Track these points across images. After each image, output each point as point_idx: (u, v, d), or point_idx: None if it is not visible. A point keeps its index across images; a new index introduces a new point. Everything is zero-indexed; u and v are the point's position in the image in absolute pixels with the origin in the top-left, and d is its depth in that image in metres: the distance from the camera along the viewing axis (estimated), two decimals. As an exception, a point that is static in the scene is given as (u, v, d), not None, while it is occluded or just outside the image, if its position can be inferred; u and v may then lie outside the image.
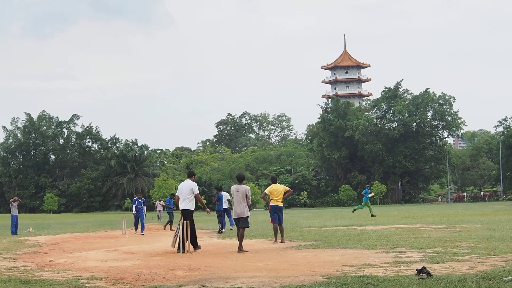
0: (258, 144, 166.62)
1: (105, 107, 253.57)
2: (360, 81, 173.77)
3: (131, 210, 35.53)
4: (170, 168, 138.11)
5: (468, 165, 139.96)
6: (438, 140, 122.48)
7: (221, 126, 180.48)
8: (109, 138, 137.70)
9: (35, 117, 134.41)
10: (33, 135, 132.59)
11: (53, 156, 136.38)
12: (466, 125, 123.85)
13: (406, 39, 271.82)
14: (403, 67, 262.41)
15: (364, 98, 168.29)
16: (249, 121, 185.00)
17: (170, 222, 33.58)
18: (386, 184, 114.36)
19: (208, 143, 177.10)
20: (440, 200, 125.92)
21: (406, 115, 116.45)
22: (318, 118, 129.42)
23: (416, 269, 10.88)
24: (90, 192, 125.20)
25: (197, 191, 18.57)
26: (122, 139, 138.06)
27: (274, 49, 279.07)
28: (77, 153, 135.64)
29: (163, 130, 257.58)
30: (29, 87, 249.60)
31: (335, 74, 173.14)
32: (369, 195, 40.84)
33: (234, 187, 18.03)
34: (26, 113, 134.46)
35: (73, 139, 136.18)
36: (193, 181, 18.86)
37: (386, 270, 11.74)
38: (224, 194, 29.21)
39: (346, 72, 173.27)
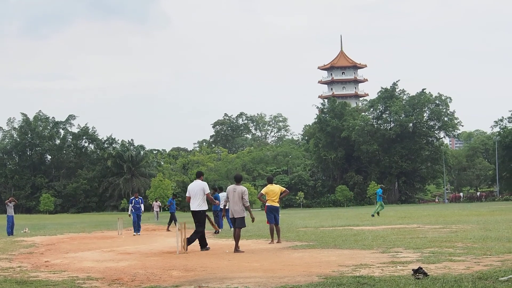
0: (255, 145, 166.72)
1: (102, 108, 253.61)
2: (356, 81, 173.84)
3: (127, 211, 35.11)
4: (167, 169, 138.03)
5: (464, 166, 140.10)
6: (435, 141, 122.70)
7: (217, 127, 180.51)
8: (105, 138, 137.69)
9: (31, 117, 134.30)
10: (29, 135, 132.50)
11: (49, 157, 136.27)
12: (462, 126, 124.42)
13: (402, 39, 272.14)
14: (400, 67, 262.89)
15: (361, 99, 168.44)
16: (246, 121, 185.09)
17: (174, 221, 33.04)
18: (383, 185, 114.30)
19: (204, 143, 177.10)
20: (437, 200, 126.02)
21: (403, 115, 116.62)
22: (315, 119, 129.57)
23: (412, 269, 10.88)
24: (87, 192, 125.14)
25: (208, 191, 18.55)
26: (118, 140, 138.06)
27: (271, 49, 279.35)
28: (73, 154, 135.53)
29: (159, 130, 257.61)
30: (26, 87, 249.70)
31: (331, 74, 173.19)
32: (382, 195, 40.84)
33: (231, 187, 18.06)
34: (22, 114, 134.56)
35: (69, 139, 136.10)
36: (202, 180, 18.84)
37: (382, 270, 11.74)
38: (222, 194, 29.17)
39: (342, 73, 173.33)
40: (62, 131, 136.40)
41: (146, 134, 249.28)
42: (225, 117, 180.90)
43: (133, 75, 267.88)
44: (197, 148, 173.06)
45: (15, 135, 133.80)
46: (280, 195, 19.97)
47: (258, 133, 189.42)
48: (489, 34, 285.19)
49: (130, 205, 31.00)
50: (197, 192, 18.36)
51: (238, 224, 17.71)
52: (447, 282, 9.86)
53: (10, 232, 30.60)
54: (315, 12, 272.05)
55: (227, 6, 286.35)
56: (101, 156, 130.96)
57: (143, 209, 31.34)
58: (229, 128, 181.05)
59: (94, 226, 39.59)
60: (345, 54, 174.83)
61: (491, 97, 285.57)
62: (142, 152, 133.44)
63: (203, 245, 18.47)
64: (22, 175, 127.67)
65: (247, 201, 17.84)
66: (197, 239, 18.43)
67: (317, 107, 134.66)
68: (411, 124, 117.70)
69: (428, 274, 10.58)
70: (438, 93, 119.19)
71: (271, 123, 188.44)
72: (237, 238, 17.49)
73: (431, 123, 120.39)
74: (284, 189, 20.36)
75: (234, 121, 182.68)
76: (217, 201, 27.82)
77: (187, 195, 18.77)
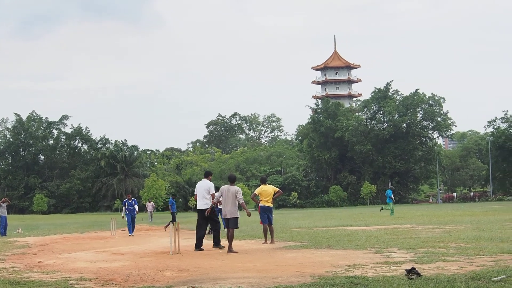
0: (248, 145, 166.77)
1: (95, 108, 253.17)
2: (350, 81, 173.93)
3: (121, 211, 34.90)
4: (160, 169, 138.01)
5: (458, 166, 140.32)
6: (428, 141, 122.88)
7: (211, 127, 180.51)
8: (98, 138, 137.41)
9: (24, 117, 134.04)
10: (22, 135, 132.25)
11: (43, 157, 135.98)
12: (455, 126, 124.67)
13: (396, 40, 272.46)
14: (393, 68, 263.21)
15: (354, 99, 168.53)
16: (239, 121, 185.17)
17: (171, 221, 32.94)
18: (376, 185, 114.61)
19: (198, 143, 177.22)
20: (431, 200, 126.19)
21: (396, 115, 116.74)
22: (308, 119, 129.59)
23: (406, 270, 10.89)
24: (80, 193, 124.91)
25: (213, 191, 18.84)
26: (112, 140, 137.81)
27: (264, 49, 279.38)
28: (66, 154, 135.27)
29: (153, 130, 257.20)
30: (19, 87, 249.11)
31: (325, 74, 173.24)
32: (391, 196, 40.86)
33: (225, 188, 18.07)
34: (16, 114, 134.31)
35: (62, 139, 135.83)
36: (210, 180, 19.13)
37: (375, 270, 11.75)
38: (218, 194, 29.09)
39: (336, 73, 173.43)
40: (55, 132, 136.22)
41: (140, 134, 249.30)
42: (218, 117, 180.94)
43: (127, 76, 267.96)
44: (191, 149, 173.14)
45: (8, 135, 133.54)
46: (273, 196, 19.98)
47: (252, 134, 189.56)
48: (482, 35, 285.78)
49: (124, 207, 30.61)
50: (203, 191, 18.90)
51: (231, 224, 17.72)
52: (440, 282, 9.87)
53: (3, 232, 30.53)
54: (309, 12, 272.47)
55: (221, 6, 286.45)
56: (95, 157, 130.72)
57: (137, 210, 31.10)
58: (222, 128, 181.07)
59: (88, 227, 39.54)
60: (338, 54, 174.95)
61: (484, 98, 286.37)
62: (135, 153, 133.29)
63: (216, 243, 18.85)
64: (15, 176, 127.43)
65: (241, 199, 17.86)
66: (199, 239, 18.66)
67: (311, 108, 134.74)
68: (404, 125, 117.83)
69: (421, 274, 10.60)
70: (432, 93, 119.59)
71: (264, 123, 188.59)
72: (230, 238, 17.49)
73: (425, 123, 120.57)
74: (278, 189, 20.36)
75: (228, 121, 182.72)
76: (217, 202, 27.93)
77: (195, 192, 19.44)
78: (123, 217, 30.38)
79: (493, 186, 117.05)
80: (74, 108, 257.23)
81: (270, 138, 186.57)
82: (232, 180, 18.36)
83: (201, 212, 18.94)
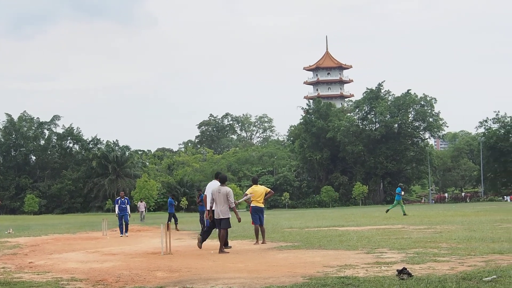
0: (240, 145, 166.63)
1: (87, 108, 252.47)
2: (342, 82, 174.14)
3: (114, 211, 34.62)
4: (152, 169, 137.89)
5: (449, 166, 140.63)
6: (420, 141, 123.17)
7: (203, 127, 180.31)
8: (90, 139, 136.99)
9: (15, 117, 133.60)
10: (13, 136, 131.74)
11: (34, 157, 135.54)
12: (447, 126, 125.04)
13: (387, 40, 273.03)
14: (385, 68, 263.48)
15: (346, 99, 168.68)
16: (231, 122, 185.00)
17: (169, 221, 32.85)
18: (368, 185, 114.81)
19: (190, 144, 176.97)
20: (423, 201, 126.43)
21: (388, 116, 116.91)
22: (300, 119, 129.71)
23: (397, 270, 10.89)
24: (71, 193, 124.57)
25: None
26: (103, 140, 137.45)
27: (256, 50, 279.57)
28: (58, 154, 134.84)
29: (144, 131, 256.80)
30: (10, 87, 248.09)
31: (317, 75, 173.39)
32: (402, 194, 40.85)
33: (216, 188, 18.02)
34: (7, 114, 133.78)
35: (54, 140, 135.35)
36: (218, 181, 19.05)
37: (367, 271, 11.76)
38: (209, 198, 29.08)
39: (328, 73, 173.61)
40: (46, 132, 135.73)
41: (131, 134, 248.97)
42: (210, 117, 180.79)
43: (119, 76, 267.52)
44: (182, 149, 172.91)
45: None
46: (265, 196, 19.97)
47: (244, 134, 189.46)
48: (474, 36, 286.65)
49: (116, 205, 30.02)
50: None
51: (223, 225, 17.69)
52: (431, 282, 9.88)
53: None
54: (301, 13, 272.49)
55: (213, 6, 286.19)
56: (86, 157, 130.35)
57: (129, 211, 30.55)
58: (214, 129, 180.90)
59: (79, 227, 39.44)
60: (330, 55, 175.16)
61: (476, 98, 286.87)
62: (127, 153, 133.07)
63: (225, 243, 18.75)
64: (6, 176, 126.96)
65: (233, 202, 17.81)
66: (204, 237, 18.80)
67: (303, 108, 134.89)
68: (396, 125, 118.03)
69: (413, 274, 10.61)
70: (423, 94, 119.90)
71: (256, 123, 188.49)
72: (222, 239, 17.49)
73: (416, 124, 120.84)
74: (269, 190, 20.38)
75: (220, 121, 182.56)
76: (198, 202, 28.23)
77: (205, 193, 19.52)
78: (117, 214, 29.70)
79: (485, 187, 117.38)
80: (65, 109, 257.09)
81: (262, 139, 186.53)
82: (222, 181, 18.28)
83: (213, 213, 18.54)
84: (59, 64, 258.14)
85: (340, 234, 22.11)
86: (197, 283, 10.96)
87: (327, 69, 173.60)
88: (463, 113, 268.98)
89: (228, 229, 17.93)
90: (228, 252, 17.03)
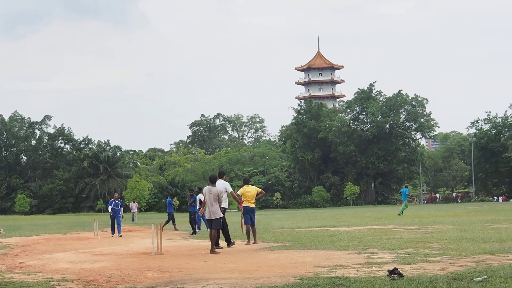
0: (232, 145, 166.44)
1: (78, 108, 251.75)
2: (333, 82, 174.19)
3: (106, 211, 34.44)
4: (143, 169, 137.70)
5: (441, 167, 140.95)
6: (411, 142, 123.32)
7: (194, 127, 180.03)
8: (81, 139, 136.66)
9: (6, 117, 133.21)
10: (4, 135, 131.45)
11: (25, 157, 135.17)
12: (438, 127, 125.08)
13: (379, 41, 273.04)
14: (377, 69, 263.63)
15: (338, 100, 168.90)
16: (223, 122, 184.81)
17: (167, 221, 32.78)
18: (359, 186, 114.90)
19: (181, 144, 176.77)
20: (414, 201, 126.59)
21: (379, 116, 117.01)
22: (292, 120, 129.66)
23: (388, 270, 10.91)
24: (62, 193, 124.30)
25: (230, 189, 19.09)
26: (94, 140, 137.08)
27: (248, 50, 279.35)
28: (49, 154, 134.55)
29: (136, 131, 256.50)
30: (1, 87, 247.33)
31: (308, 75, 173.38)
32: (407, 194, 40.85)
33: (206, 189, 18.01)
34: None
35: (45, 140, 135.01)
36: (224, 180, 19.10)
37: (358, 271, 11.77)
38: (200, 196, 29.10)
39: (319, 74, 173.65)
40: (38, 132, 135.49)
41: (123, 134, 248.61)
42: (202, 117, 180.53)
43: (110, 76, 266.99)
44: (174, 149, 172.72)
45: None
46: (256, 196, 19.98)
47: (235, 134, 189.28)
48: (465, 37, 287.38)
49: (109, 206, 29.86)
50: (221, 191, 18.55)
51: (214, 225, 17.68)
52: (422, 282, 9.90)
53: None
54: (292, 13, 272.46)
55: (205, 6, 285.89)
56: (77, 157, 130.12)
57: (122, 213, 30.42)
58: (206, 129, 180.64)
59: (70, 227, 39.38)
60: (322, 55, 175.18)
61: (467, 99, 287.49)
62: (118, 153, 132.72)
63: (229, 241, 18.94)
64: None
65: (225, 200, 17.85)
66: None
67: (294, 108, 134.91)
68: (387, 125, 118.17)
69: (404, 275, 10.62)
70: (415, 94, 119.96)
71: (248, 124, 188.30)
72: (213, 239, 17.48)
73: (408, 124, 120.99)
74: (261, 190, 20.39)
75: (211, 121, 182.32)
76: (191, 203, 28.15)
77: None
78: (111, 214, 29.57)
79: (476, 187, 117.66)
80: (56, 109, 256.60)
81: (253, 139, 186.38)
82: (213, 181, 18.21)
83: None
84: (51, 64, 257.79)
85: (331, 235, 22.13)
86: (188, 284, 10.95)
87: (319, 70, 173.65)
88: (454, 114, 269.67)
89: (214, 230, 17.87)
90: (219, 253, 17.03)
